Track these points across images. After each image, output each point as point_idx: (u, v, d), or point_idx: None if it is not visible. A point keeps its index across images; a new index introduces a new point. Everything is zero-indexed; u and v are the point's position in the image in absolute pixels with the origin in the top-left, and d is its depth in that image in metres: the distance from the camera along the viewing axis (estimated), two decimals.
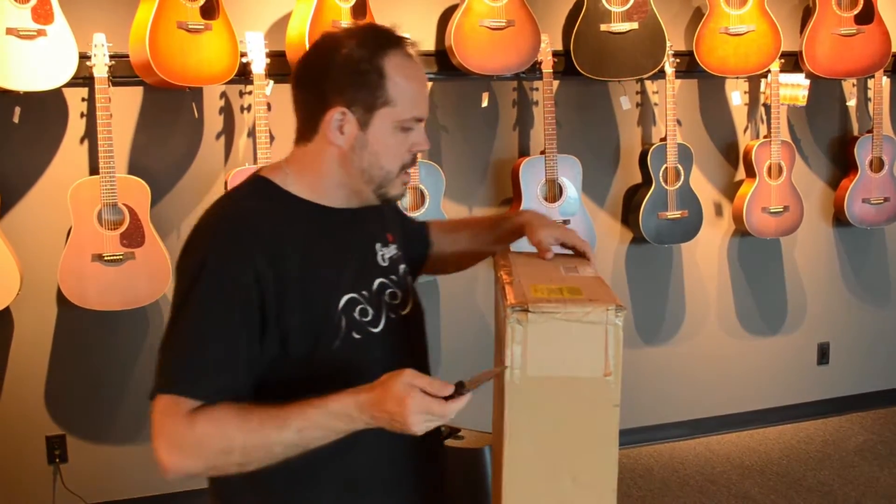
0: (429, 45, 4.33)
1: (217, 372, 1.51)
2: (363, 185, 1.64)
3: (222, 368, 1.51)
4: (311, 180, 1.65)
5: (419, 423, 1.40)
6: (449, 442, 1.95)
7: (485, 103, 4.45)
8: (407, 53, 1.62)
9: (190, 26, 3.69)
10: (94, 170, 3.89)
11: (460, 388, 1.43)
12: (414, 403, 1.39)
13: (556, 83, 4.48)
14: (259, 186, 1.66)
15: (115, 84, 3.80)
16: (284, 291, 1.53)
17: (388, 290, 1.71)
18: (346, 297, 1.61)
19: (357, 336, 1.61)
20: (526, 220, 1.87)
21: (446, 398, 1.41)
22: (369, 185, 1.64)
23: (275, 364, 1.55)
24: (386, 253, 1.75)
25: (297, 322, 1.54)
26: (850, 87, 5.09)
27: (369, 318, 1.64)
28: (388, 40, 1.61)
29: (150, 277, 3.83)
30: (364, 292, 1.65)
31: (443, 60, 4.30)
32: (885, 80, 4.97)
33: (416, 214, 4.15)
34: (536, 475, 1.52)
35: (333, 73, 1.59)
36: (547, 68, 4.31)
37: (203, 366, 1.51)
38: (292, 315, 1.54)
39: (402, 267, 1.78)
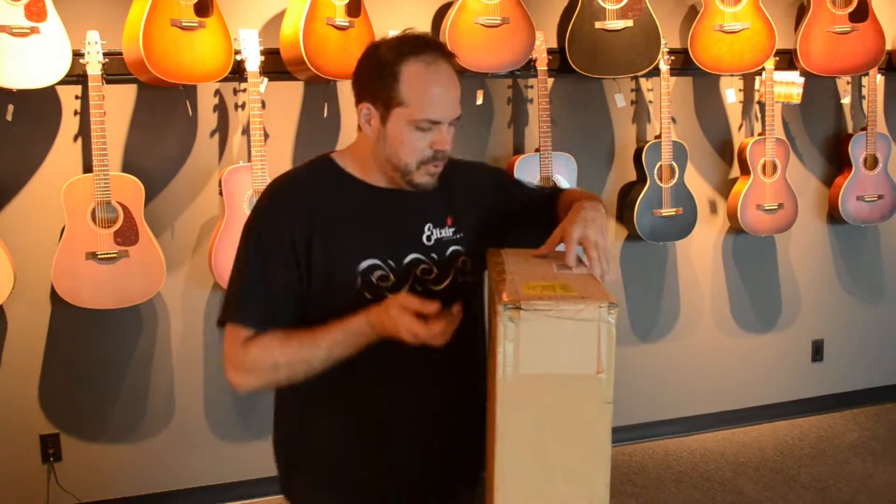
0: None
1: (259, 306, 1.86)
2: (391, 171, 1.87)
3: (263, 304, 1.85)
4: (360, 163, 1.92)
5: (408, 338, 1.70)
6: None
7: (479, 101, 4.44)
8: (428, 61, 1.80)
9: (184, 24, 3.68)
10: (87, 168, 3.88)
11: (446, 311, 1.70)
12: (405, 323, 1.69)
13: (550, 81, 4.48)
14: (317, 163, 1.95)
15: (108, 82, 3.79)
16: (312, 247, 1.83)
17: (422, 266, 1.89)
18: (367, 262, 1.84)
19: (369, 296, 1.83)
20: (573, 211, 1.90)
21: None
22: (395, 172, 1.86)
23: (310, 303, 1.85)
24: (435, 234, 1.92)
25: (319, 273, 1.83)
26: (844, 84, 5.09)
27: (389, 284, 1.85)
28: (412, 47, 1.81)
29: (145, 275, 3.82)
30: (391, 261, 1.86)
31: None
32: (880, 78, 4.97)
33: None
34: (529, 471, 1.52)
35: (364, 73, 1.86)
36: (542, 66, 4.30)
37: (248, 302, 1.87)
38: (317, 267, 1.83)
39: (452, 249, 1.94)
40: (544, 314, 1.46)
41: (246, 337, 1.87)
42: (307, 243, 1.84)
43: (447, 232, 1.95)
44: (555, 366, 1.48)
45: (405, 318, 1.70)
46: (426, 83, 1.80)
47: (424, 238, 1.92)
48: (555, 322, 1.46)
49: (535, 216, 2.06)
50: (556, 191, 2.11)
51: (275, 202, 1.90)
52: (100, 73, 3.68)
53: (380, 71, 1.81)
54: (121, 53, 3.79)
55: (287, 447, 2.13)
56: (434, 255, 1.92)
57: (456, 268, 1.94)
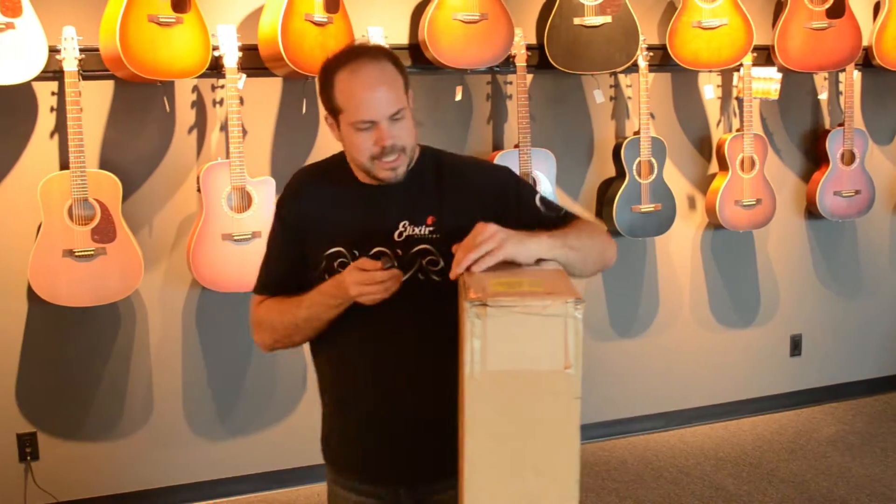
0: (402, 38, 4.32)
1: (270, 277, 2.15)
2: (359, 171, 2.02)
3: (273, 274, 2.14)
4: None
5: (355, 290, 1.87)
6: None
7: (458, 97, 4.44)
8: (353, 68, 1.93)
9: (161, 19, 3.66)
10: (64, 164, 3.85)
11: (386, 263, 1.87)
12: (351, 277, 1.88)
13: (529, 77, 4.48)
14: (336, 157, 2.11)
15: (85, 78, 3.76)
16: (304, 230, 2.06)
17: (384, 258, 1.99)
18: (333, 249, 2.01)
19: (329, 279, 1.99)
20: None
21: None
22: (361, 170, 2.00)
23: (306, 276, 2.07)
24: (408, 231, 1.99)
25: (307, 253, 2.06)
26: (821, 80, 5.12)
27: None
28: (343, 57, 1.96)
29: (122, 273, 3.80)
30: (355, 251, 1.99)
31: (416, 54, 4.29)
32: (857, 74, 5.00)
33: None
34: (498, 467, 1.52)
35: (318, 87, 2.02)
36: (521, 62, 4.30)
37: (263, 273, 2.17)
38: (306, 248, 2.06)
39: (420, 247, 2.00)
40: (511, 310, 1.46)
41: (258, 301, 2.16)
42: (303, 223, 2.07)
43: (423, 230, 2.00)
44: (522, 362, 1.48)
45: (353, 273, 1.88)
46: (352, 88, 1.93)
47: (396, 234, 2.00)
48: (521, 318, 1.47)
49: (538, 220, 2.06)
50: (567, 217, 2.06)
51: (291, 184, 2.15)
52: (76, 69, 3.65)
53: (322, 84, 1.99)
54: (97, 49, 3.76)
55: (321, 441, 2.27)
56: (399, 251, 1.99)
57: (420, 265, 1.99)
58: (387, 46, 2.08)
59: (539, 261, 1.77)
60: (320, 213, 2.06)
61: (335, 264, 2.01)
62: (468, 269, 1.70)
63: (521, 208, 2.03)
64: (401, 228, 1.99)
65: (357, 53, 1.96)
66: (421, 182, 2.03)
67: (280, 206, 2.15)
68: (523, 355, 1.48)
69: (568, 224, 2.01)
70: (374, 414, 2.06)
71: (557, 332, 1.48)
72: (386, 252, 1.96)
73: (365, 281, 1.87)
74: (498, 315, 1.46)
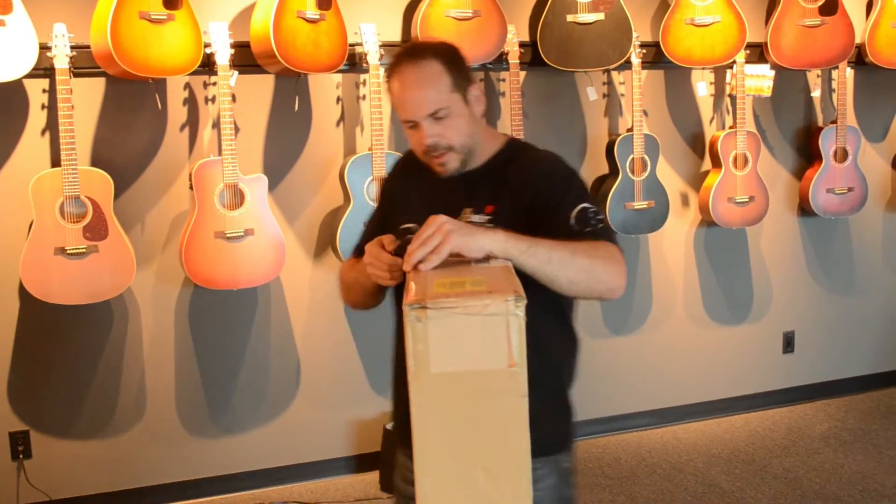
0: (394, 35, 4.31)
1: (361, 241, 2.29)
2: None
3: (364, 240, 2.23)
4: None
5: (366, 262, 1.96)
6: None
7: (396, 95, 4.42)
8: (396, 70, 2.03)
9: (152, 16, 3.65)
10: (55, 162, 3.84)
11: (402, 246, 1.86)
12: (367, 250, 1.97)
13: (522, 74, 4.48)
14: None
15: (76, 75, 3.75)
16: (390, 204, 2.26)
17: (403, 237, 2.07)
18: (406, 225, 2.06)
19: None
20: None
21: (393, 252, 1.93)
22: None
23: None
24: (468, 217, 2.04)
25: (387, 225, 2.15)
26: (814, 77, 5.12)
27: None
28: (393, 60, 2.06)
29: (114, 271, 3.79)
30: None
31: None
32: (849, 71, 5.01)
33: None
34: (449, 469, 1.51)
35: None
36: (514, 59, 4.30)
37: (359, 239, 2.33)
38: (388, 220, 2.19)
39: None
40: (452, 311, 1.45)
41: (346, 261, 2.34)
42: (391, 198, 2.28)
43: (481, 219, 2.03)
44: (467, 363, 1.47)
45: (370, 247, 1.96)
46: (396, 91, 2.04)
47: (461, 220, 2.02)
48: (462, 319, 1.45)
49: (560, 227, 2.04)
50: (589, 236, 1.99)
51: (395, 162, 2.35)
52: (67, 66, 3.64)
53: (386, 84, 2.10)
54: (89, 46, 3.75)
55: None
56: None
57: None
58: (444, 43, 2.10)
59: (490, 258, 1.75)
60: (405, 191, 2.23)
61: (406, 238, 2.06)
62: (416, 266, 1.69)
63: (553, 216, 1.99)
64: (463, 215, 2.04)
65: (402, 55, 2.05)
66: (492, 173, 2.09)
67: (383, 183, 2.38)
68: (467, 356, 1.47)
69: (579, 240, 1.93)
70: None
71: (499, 331, 1.46)
72: (412, 228, 1.95)
73: (374, 257, 1.94)
74: (439, 317, 1.45)
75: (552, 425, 2.12)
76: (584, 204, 2.00)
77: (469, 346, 1.47)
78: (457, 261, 1.73)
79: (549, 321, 2.10)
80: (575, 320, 2.23)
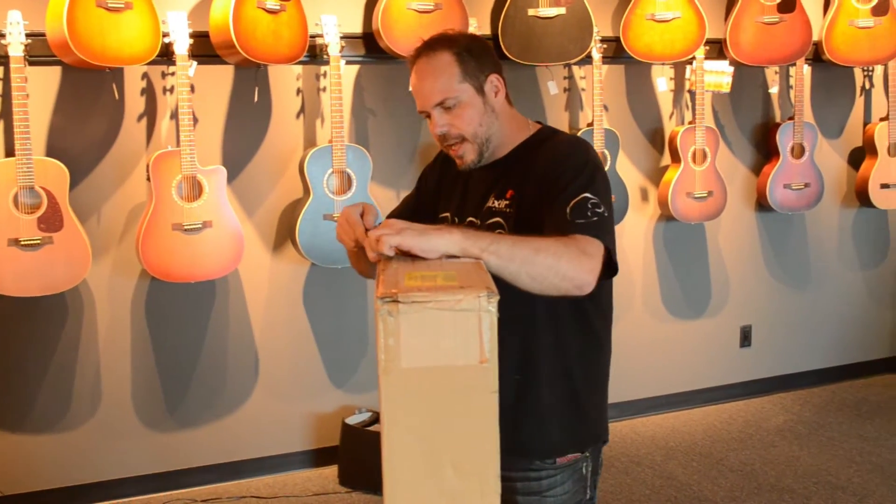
0: (356, 27, 4.29)
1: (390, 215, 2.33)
2: None
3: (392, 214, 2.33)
4: None
5: (339, 227, 2.01)
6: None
7: (412, 87, 4.41)
8: (412, 62, 2.09)
9: (110, 5, 3.60)
10: (9, 152, 3.78)
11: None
12: (342, 215, 2.01)
13: None
14: None
15: (31, 63, 3.69)
16: (426, 192, 2.32)
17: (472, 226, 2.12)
18: (445, 213, 2.21)
19: None
20: None
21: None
22: None
23: None
24: (492, 203, 2.10)
25: (429, 212, 2.26)
26: (772, 74, 5.17)
27: None
28: (412, 54, 2.11)
29: (69, 262, 3.74)
30: (456, 218, 2.17)
31: (370, 43, 4.26)
32: (807, 68, 5.06)
33: (343, 198, 4.11)
34: (417, 465, 1.50)
35: None
36: None
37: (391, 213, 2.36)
38: (429, 207, 2.28)
39: (494, 220, 2.09)
40: (423, 306, 1.44)
41: None
42: (434, 186, 2.30)
43: (501, 204, 2.08)
44: (438, 358, 1.46)
45: (349, 212, 1.98)
46: (412, 83, 2.10)
47: (485, 205, 2.11)
48: (434, 313, 1.44)
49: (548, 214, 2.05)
50: (571, 230, 1.94)
51: (436, 155, 2.37)
52: (22, 54, 3.58)
53: None
54: (44, 34, 3.69)
55: None
56: (479, 221, 2.11)
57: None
58: (463, 35, 2.13)
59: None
60: (440, 180, 2.28)
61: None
62: (386, 261, 1.68)
63: (553, 204, 1.97)
64: (488, 201, 2.10)
65: (419, 47, 2.10)
66: (517, 159, 2.10)
67: (422, 171, 2.40)
68: (438, 351, 1.46)
69: (559, 235, 1.91)
70: None
71: (471, 326, 1.45)
72: (447, 219, 2.18)
73: (347, 221, 1.98)
74: (410, 311, 1.44)
75: (560, 428, 2.14)
76: (585, 194, 1.95)
77: (440, 340, 1.46)
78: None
79: (571, 325, 2.12)
80: (604, 329, 2.23)
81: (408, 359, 1.46)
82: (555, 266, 1.79)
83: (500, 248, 1.75)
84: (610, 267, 1.96)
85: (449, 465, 1.50)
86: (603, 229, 1.93)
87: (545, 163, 2.04)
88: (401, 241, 1.69)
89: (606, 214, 1.96)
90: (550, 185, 1.98)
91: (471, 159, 2.08)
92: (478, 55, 2.06)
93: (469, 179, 2.18)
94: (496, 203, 2.08)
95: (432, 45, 2.07)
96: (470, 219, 2.13)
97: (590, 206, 1.94)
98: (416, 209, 2.30)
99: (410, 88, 2.13)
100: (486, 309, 1.45)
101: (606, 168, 4.60)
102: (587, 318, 2.15)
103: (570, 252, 1.82)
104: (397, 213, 2.32)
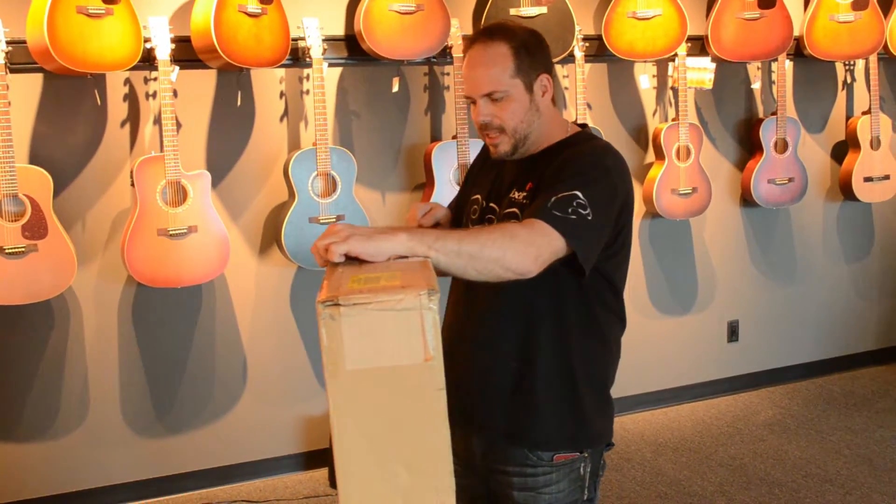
0: (338, 29, 4.29)
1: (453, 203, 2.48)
2: None
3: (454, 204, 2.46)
4: None
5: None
6: None
7: (395, 88, 4.42)
8: (467, 47, 2.13)
9: (90, 11, 3.59)
10: None
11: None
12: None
13: None
14: None
15: (12, 71, 3.68)
16: (470, 181, 2.40)
17: (489, 215, 2.21)
18: (474, 196, 2.30)
19: (464, 221, 2.32)
20: None
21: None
22: None
23: None
24: (513, 194, 2.14)
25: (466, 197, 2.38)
26: (754, 70, 5.19)
27: (475, 217, 2.26)
28: (470, 38, 2.15)
29: (54, 270, 3.73)
30: (484, 202, 2.24)
31: (352, 45, 4.26)
32: (788, 64, 5.08)
33: (328, 201, 4.11)
34: (370, 467, 1.49)
35: None
36: (457, 53, 4.30)
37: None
38: (467, 192, 2.38)
39: (510, 210, 2.14)
40: (365, 308, 1.43)
41: None
42: (471, 175, 2.41)
43: (520, 195, 2.13)
44: (383, 358, 1.46)
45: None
46: (465, 66, 2.12)
47: (508, 196, 2.16)
48: (376, 314, 1.44)
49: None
50: (549, 217, 1.95)
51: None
52: (3, 61, 3.57)
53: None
54: (25, 42, 3.68)
55: None
56: (499, 209, 2.17)
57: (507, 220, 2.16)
58: (524, 28, 2.13)
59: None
60: (478, 169, 2.37)
61: (471, 209, 2.28)
62: (332, 267, 1.67)
63: (545, 191, 1.99)
64: (512, 192, 2.16)
65: (478, 33, 2.13)
66: (544, 161, 2.12)
67: (470, 165, 2.55)
68: (383, 351, 1.46)
69: (506, 225, 1.99)
70: (456, 364, 2.13)
71: (414, 325, 1.45)
72: (477, 200, 2.28)
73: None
74: (352, 314, 1.44)
75: (556, 422, 2.15)
76: (576, 192, 1.94)
77: (384, 341, 1.46)
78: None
79: (577, 323, 2.14)
80: (612, 332, 2.24)
81: (352, 361, 1.46)
82: (501, 259, 1.81)
83: (446, 245, 1.74)
84: (576, 268, 1.98)
85: (401, 464, 1.50)
86: (576, 230, 1.91)
87: (563, 159, 2.08)
88: (349, 249, 1.67)
89: (591, 219, 1.93)
90: (554, 177, 2.02)
91: (504, 150, 2.12)
92: (533, 52, 2.09)
93: (502, 169, 2.24)
94: (516, 195, 2.13)
95: (492, 34, 2.09)
96: (493, 205, 2.20)
97: (575, 204, 1.93)
98: (461, 201, 2.41)
99: (463, 74, 2.14)
100: (427, 307, 1.45)
101: None
102: (595, 318, 2.17)
103: (516, 244, 1.84)
104: (454, 204, 2.45)
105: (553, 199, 1.93)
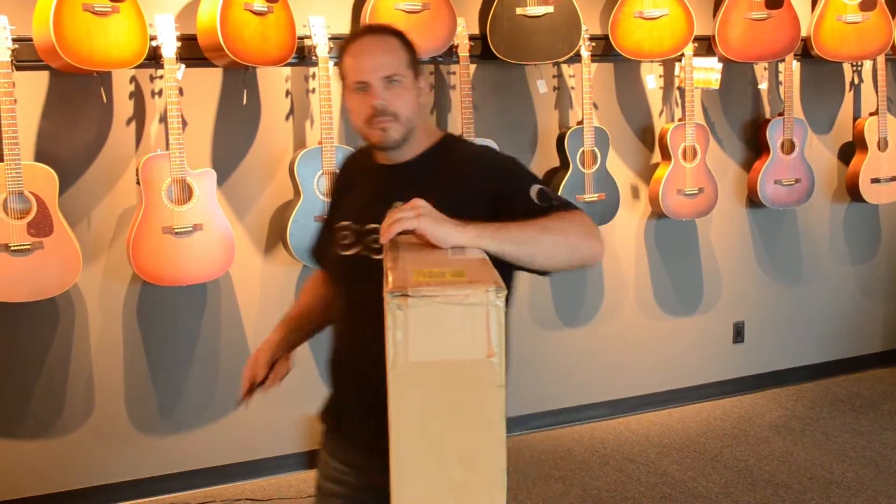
0: (344, 28, 4.28)
1: (316, 247, 2.44)
2: (375, 150, 2.16)
3: (317, 245, 2.42)
4: None
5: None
6: None
7: (352, 58, 4.40)
8: (357, 38, 2.11)
9: (96, 8, 3.59)
10: None
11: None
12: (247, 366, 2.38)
13: (472, 67, 4.47)
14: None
15: (18, 68, 3.68)
16: (335, 206, 2.31)
17: (374, 235, 2.04)
18: (342, 221, 2.17)
19: (332, 249, 2.19)
20: None
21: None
22: (362, 137, 2.14)
23: None
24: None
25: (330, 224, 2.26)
26: (761, 70, 5.17)
27: (345, 242, 2.15)
28: (353, 33, 2.16)
29: (60, 267, 3.73)
30: (355, 225, 2.13)
31: None
32: (796, 64, 5.07)
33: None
34: (424, 459, 1.51)
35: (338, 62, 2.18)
36: (463, 52, 4.30)
37: (314, 237, 2.45)
38: (332, 219, 2.27)
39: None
40: (432, 300, 1.45)
41: (314, 274, 2.49)
42: (336, 199, 2.32)
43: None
44: (445, 352, 1.48)
45: (247, 367, 2.35)
46: (354, 53, 2.09)
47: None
48: (443, 308, 1.45)
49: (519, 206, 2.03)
50: (556, 209, 1.99)
51: (340, 165, 2.42)
52: (9, 59, 3.57)
53: (339, 59, 2.15)
54: (31, 39, 3.68)
55: None
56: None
57: None
58: (402, 30, 2.16)
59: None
60: (346, 191, 2.29)
61: (339, 236, 2.17)
62: (393, 257, 1.69)
63: (515, 202, 1.99)
64: (394, 207, 2.01)
65: (363, 29, 2.19)
66: (427, 166, 2.11)
67: (330, 185, 2.52)
68: (446, 345, 1.47)
69: (546, 216, 1.94)
70: (349, 381, 2.24)
71: (479, 320, 1.47)
72: (346, 226, 2.15)
73: (248, 367, 2.36)
74: (419, 305, 1.45)
75: None
76: (539, 185, 2.03)
77: (448, 335, 1.47)
78: (431, 249, 1.73)
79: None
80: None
81: (416, 352, 1.47)
82: (565, 241, 1.90)
83: (514, 236, 1.81)
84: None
85: (455, 458, 1.51)
86: (577, 207, 2.01)
87: (473, 171, 2.08)
88: (417, 226, 1.71)
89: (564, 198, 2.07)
90: (496, 189, 2.01)
91: (393, 138, 2.07)
92: (415, 52, 2.12)
93: (368, 186, 2.19)
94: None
95: (381, 29, 2.13)
96: (373, 226, 2.04)
97: (550, 193, 2.03)
98: (329, 227, 2.30)
99: (344, 63, 2.10)
100: (493, 303, 1.46)
101: (597, 166, 4.61)
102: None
103: (575, 225, 1.93)
104: (316, 244, 2.42)
105: (537, 200, 1.99)
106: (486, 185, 2.04)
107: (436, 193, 1.99)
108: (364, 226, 2.10)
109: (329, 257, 2.23)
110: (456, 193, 2.01)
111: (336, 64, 2.17)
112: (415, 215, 1.72)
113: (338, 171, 2.40)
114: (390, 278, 1.52)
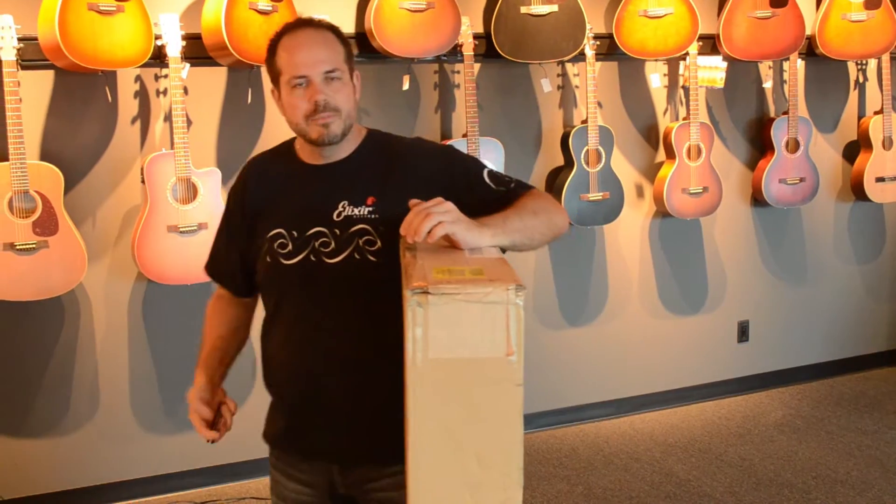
0: (348, 27, 4.29)
1: (215, 261, 2.30)
2: (305, 142, 2.06)
3: (217, 259, 2.29)
4: (300, 143, 2.12)
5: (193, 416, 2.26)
6: None
7: (406, 86, 4.42)
8: (293, 32, 2.03)
9: (101, 8, 3.60)
10: (3, 156, 3.77)
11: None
12: (192, 406, 2.31)
13: (477, 66, 4.48)
14: (283, 144, 2.19)
15: (24, 68, 3.69)
16: (253, 218, 2.12)
17: (322, 239, 2.01)
18: (275, 230, 2.05)
19: (269, 260, 2.06)
20: None
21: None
22: (303, 139, 2.05)
23: (253, 262, 2.14)
24: (347, 211, 2.02)
25: (253, 237, 2.11)
26: (766, 69, 5.17)
27: (286, 251, 2.04)
28: (286, 27, 2.05)
29: (65, 266, 3.74)
30: (294, 232, 2.03)
31: (363, 43, 4.26)
32: (800, 63, 5.06)
33: None
34: (442, 456, 1.52)
35: (266, 59, 2.09)
36: (468, 51, 4.30)
37: (212, 256, 2.31)
38: (253, 232, 2.11)
39: (359, 227, 2.01)
40: (452, 298, 1.46)
41: (216, 293, 2.41)
42: (251, 210, 2.13)
43: (362, 210, 2.02)
44: (465, 349, 1.48)
45: (195, 403, 2.28)
46: (289, 48, 2.01)
47: (335, 214, 2.02)
48: (463, 305, 1.46)
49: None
50: (517, 190, 2.05)
51: (239, 175, 2.22)
52: (14, 58, 3.58)
53: (268, 54, 2.06)
54: (36, 38, 3.69)
55: None
56: (337, 231, 2.01)
57: (357, 245, 2.00)
58: (335, 24, 2.11)
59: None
60: (267, 199, 2.12)
61: (275, 245, 2.05)
62: (411, 255, 1.69)
63: (472, 187, 2.02)
64: (340, 208, 2.02)
65: (299, 23, 2.07)
66: (364, 163, 2.06)
67: (228, 197, 2.22)
68: (465, 343, 1.48)
69: (516, 200, 2.00)
70: (308, 390, 2.11)
71: (499, 319, 1.47)
72: (282, 234, 2.04)
73: (193, 413, 2.26)
74: (440, 303, 1.46)
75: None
76: (483, 166, 2.10)
77: (468, 333, 1.48)
78: (448, 248, 1.74)
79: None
80: None
81: (435, 350, 1.48)
82: (547, 222, 1.99)
83: (515, 226, 1.88)
84: None
85: (473, 456, 1.52)
86: (526, 183, 2.11)
87: (415, 165, 2.06)
88: (453, 231, 1.72)
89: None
90: (446, 180, 2.02)
91: (334, 132, 1.99)
92: (349, 48, 2.08)
93: (301, 190, 2.08)
94: (355, 211, 2.01)
95: (315, 23, 2.06)
96: (317, 229, 2.01)
97: (497, 173, 2.11)
98: (244, 247, 2.16)
99: (279, 57, 2.02)
100: (513, 302, 1.47)
101: (601, 165, 4.61)
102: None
103: (545, 208, 2.01)
104: (223, 264, 2.26)
105: (489, 182, 2.06)
106: (432, 174, 2.04)
107: (379, 188, 2.02)
108: (307, 231, 2.02)
109: (263, 269, 2.08)
110: (400, 186, 2.00)
111: (270, 52, 2.05)
112: (452, 220, 1.72)
113: (243, 182, 2.19)
114: (411, 276, 1.53)
